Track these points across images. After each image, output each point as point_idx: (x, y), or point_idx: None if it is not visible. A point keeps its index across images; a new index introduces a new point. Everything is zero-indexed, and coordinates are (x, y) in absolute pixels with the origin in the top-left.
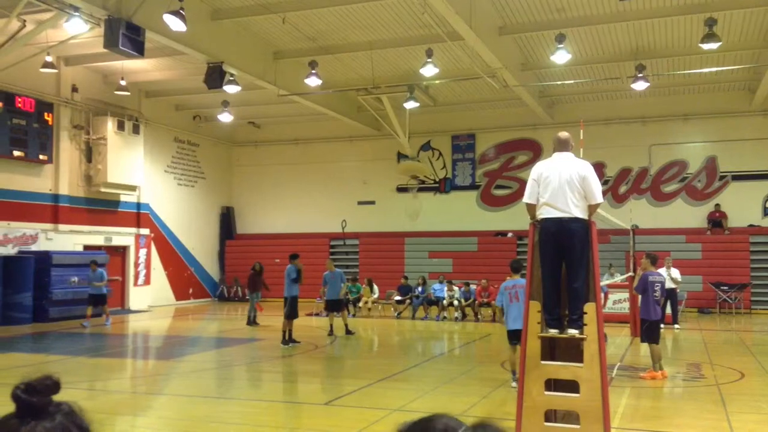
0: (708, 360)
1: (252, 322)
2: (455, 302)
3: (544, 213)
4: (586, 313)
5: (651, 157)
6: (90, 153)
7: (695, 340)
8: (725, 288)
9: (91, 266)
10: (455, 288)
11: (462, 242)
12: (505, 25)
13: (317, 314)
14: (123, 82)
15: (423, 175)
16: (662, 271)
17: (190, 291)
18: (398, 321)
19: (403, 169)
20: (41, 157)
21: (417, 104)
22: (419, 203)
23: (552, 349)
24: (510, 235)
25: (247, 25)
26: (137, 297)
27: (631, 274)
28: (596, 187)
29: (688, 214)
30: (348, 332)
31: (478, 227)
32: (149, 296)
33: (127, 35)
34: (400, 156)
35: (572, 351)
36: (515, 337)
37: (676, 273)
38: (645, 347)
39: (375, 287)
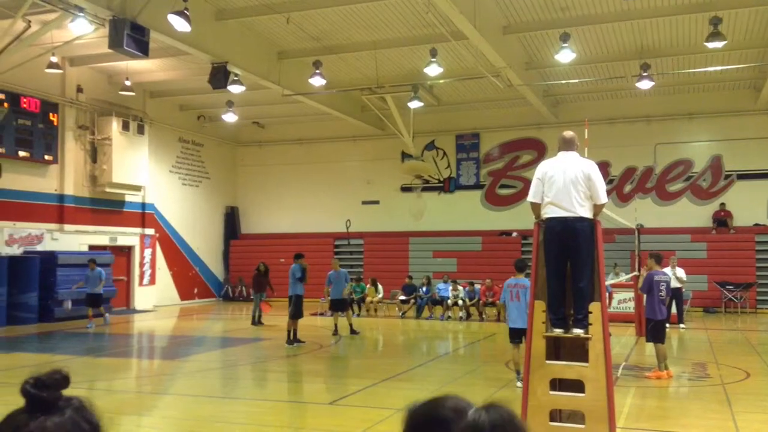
0: (713, 359)
1: (257, 322)
2: (459, 302)
3: (548, 212)
4: (591, 312)
5: (656, 156)
6: (95, 153)
7: (700, 340)
8: (730, 287)
9: (89, 265)
10: (460, 288)
11: (466, 242)
12: (509, 24)
13: (322, 314)
14: (128, 83)
15: (427, 175)
16: (667, 270)
17: (195, 291)
18: (402, 321)
19: (408, 169)
20: (46, 157)
21: (421, 104)
22: (423, 203)
23: (557, 349)
24: (514, 234)
25: (251, 25)
26: (142, 297)
27: (636, 273)
28: (601, 187)
29: (693, 214)
30: (352, 332)
31: (483, 227)
32: (154, 296)
33: (131, 35)
34: (405, 156)
35: (577, 350)
36: (515, 335)
37: (681, 272)
38: (650, 347)
39: (379, 287)
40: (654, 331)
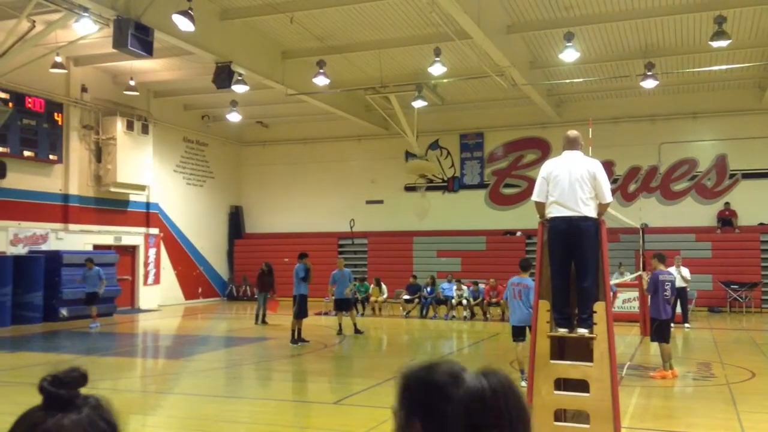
0: (718, 359)
1: (262, 321)
2: (464, 301)
3: (553, 211)
4: (595, 312)
5: (660, 156)
6: (99, 153)
7: (705, 339)
8: (735, 287)
9: (87, 264)
10: (464, 287)
11: (470, 241)
12: (513, 24)
13: (326, 313)
14: (132, 83)
15: (431, 174)
16: (672, 269)
17: (200, 290)
18: (407, 320)
19: (412, 168)
20: (51, 157)
21: (425, 103)
22: (427, 202)
23: (561, 348)
24: (519, 234)
25: (255, 24)
26: (147, 296)
27: (640, 273)
28: (606, 187)
29: (698, 213)
30: (357, 331)
31: (487, 226)
32: (159, 295)
33: (136, 35)
34: (409, 155)
35: (582, 350)
36: (517, 333)
37: (686, 272)
38: (655, 346)
39: (383, 287)
40: (659, 331)
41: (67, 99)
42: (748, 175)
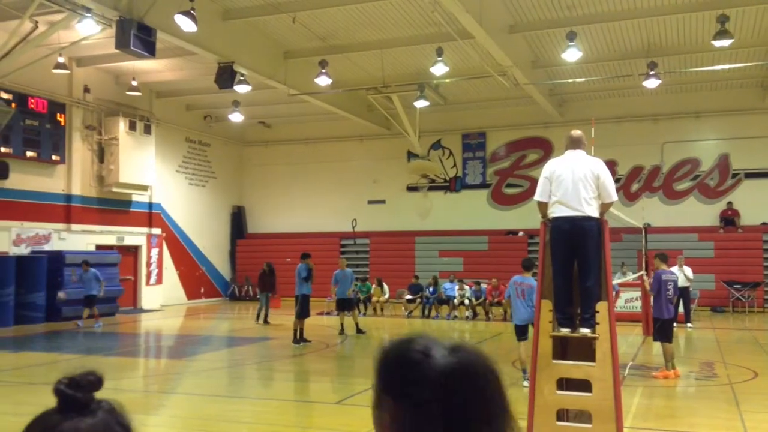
0: (721, 359)
1: (265, 321)
2: (466, 301)
3: (556, 211)
4: (598, 311)
5: (663, 155)
6: (102, 153)
7: (708, 339)
8: (738, 286)
9: (82, 266)
10: (466, 287)
11: (472, 241)
12: (515, 23)
13: (328, 313)
14: (134, 83)
15: (433, 174)
16: (675, 269)
17: (202, 290)
18: (409, 320)
19: (414, 168)
20: (54, 157)
21: (427, 103)
22: (429, 202)
23: (564, 348)
24: (521, 233)
25: (257, 25)
26: (149, 296)
27: (642, 272)
28: (610, 186)
29: (701, 212)
30: (359, 331)
31: (489, 226)
32: (161, 295)
33: (138, 36)
34: (411, 155)
35: (584, 350)
36: (520, 332)
37: (688, 271)
38: (657, 346)
39: (385, 287)
40: (661, 331)
41: (70, 99)
42: (751, 175)
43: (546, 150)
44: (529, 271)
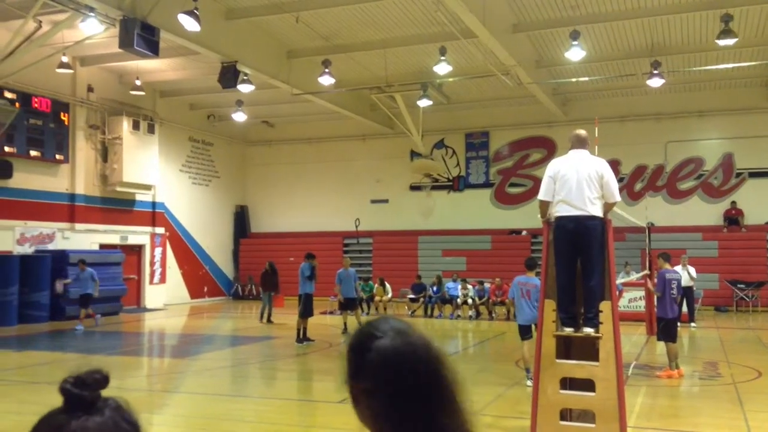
0: (725, 358)
1: (268, 320)
2: (469, 300)
3: (560, 211)
4: (601, 311)
5: (667, 154)
6: (106, 152)
7: (712, 339)
8: (742, 286)
9: (79, 266)
10: (469, 286)
11: (476, 240)
12: (518, 22)
13: (331, 312)
14: (138, 82)
15: (436, 174)
16: (678, 268)
17: (205, 289)
18: (412, 319)
19: (417, 168)
20: (57, 156)
21: (430, 102)
22: (433, 201)
23: (567, 348)
24: (524, 233)
25: (260, 24)
26: (153, 295)
27: (646, 272)
28: (614, 186)
29: (705, 212)
30: None
31: (492, 225)
32: (165, 294)
33: (142, 35)
34: (414, 154)
35: (588, 349)
36: (524, 331)
37: (692, 271)
38: (661, 345)
39: (387, 286)
40: (666, 330)
41: (74, 99)
42: (755, 174)
43: (549, 149)
44: (532, 271)
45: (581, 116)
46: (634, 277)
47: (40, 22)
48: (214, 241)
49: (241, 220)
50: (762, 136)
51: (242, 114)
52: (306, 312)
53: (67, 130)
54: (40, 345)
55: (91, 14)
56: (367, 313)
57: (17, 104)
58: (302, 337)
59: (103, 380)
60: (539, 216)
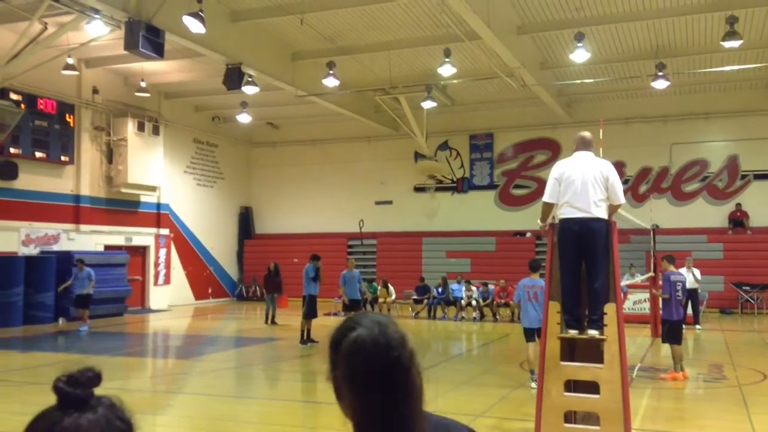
0: (730, 361)
1: (272, 321)
2: (473, 302)
3: (565, 213)
4: (606, 313)
5: (672, 156)
6: (111, 154)
7: (717, 341)
8: (747, 288)
9: (77, 265)
10: (473, 288)
11: (480, 242)
12: (523, 24)
13: (335, 314)
14: (143, 84)
15: (440, 175)
16: (683, 270)
17: (210, 290)
18: (416, 321)
19: (421, 169)
20: (63, 158)
21: (434, 104)
22: (437, 203)
23: (572, 350)
24: (528, 235)
25: (265, 26)
26: (157, 296)
27: (651, 274)
28: (619, 188)
29: (710, 214)
30: None
31: (497, 227)
32: (169, 296)
33: (147, 37)
34: (418, 156)
35: (592, 352)
36: (529, 334)
37: (697, 273)
38: (665, 348)
39: (390, 288)
40: (671, 332)
41: (79, 100)
42: (760, 176)
43: (554, 151)
44: (536, 272)
45: (586, 118)
46: (639, 279)
47: (46, 24)
48: (218, 242)
49: (245, 221)
50: (767, 138)
51: (247, 115)
52: (310, 313)
53: (72, 132)
54: (44, 346)
55: (97, 16)
56: None
57: (23, 106)
58: (306, 339)
59: (95, 378)
60: (539, 221)
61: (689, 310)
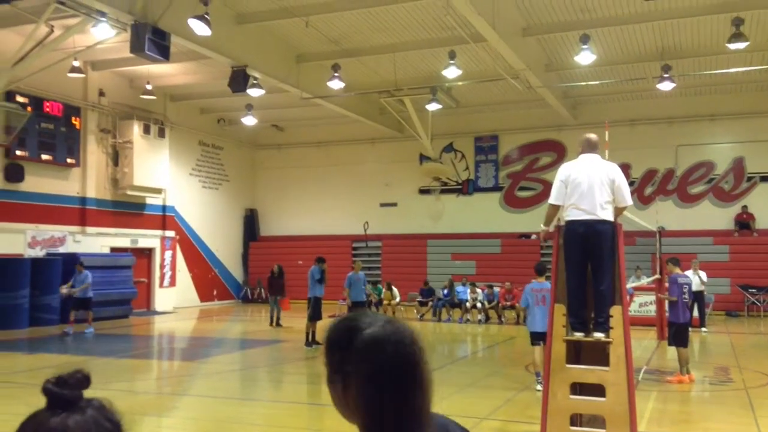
0: (736, 364)
1: (277, 324)
2: (478, 304)
3: (571, 215)
4: (612, 316)
5: (677, 158)
6: (116, 156)
7: (723, 344)
8: (753, 290)
9: (77, 268)
10: (478, 290)
11: (485, 244)
12: (528, 26)
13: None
14: (149, 87)
15: (445, 177)
16: (689, 273)
17: (215, 292)
18: (420, 323)
19: (426, 171)
20: (69, 160)
21: (439, 106)
22: (442, 205)
23: (577, 353)
24: (534, 237)
25: (270, 29)
26: (162, 298)
27: (657, 276)
28: (626, 190)
29: (715, 216)
30: None
31: (502, 229)
32: (174, 298)
33: (152, 40)
34: (423, 158)
35: (598, 354)
36: (536, 337)
37: (703, 275)
38: (671, 350)
39: (394, 290)
40: (677, 335)
41: (85, 103)
42: (766, 178)
43: (559, 153)
44: (542, 276)
45: (591, 120)
46: (645, 281)
47: (52, 26)
48: (223, 244)
49: (250, 223)
50: None
51: (252, 118)
52: (315, 315)
53: (78, 134)
54: (50, 348)
55: (103, 19)
56: None
57: (29, 108)
58: (311, 341)
59: (84, 380)
60: (542, 225)
61: (695, 313)
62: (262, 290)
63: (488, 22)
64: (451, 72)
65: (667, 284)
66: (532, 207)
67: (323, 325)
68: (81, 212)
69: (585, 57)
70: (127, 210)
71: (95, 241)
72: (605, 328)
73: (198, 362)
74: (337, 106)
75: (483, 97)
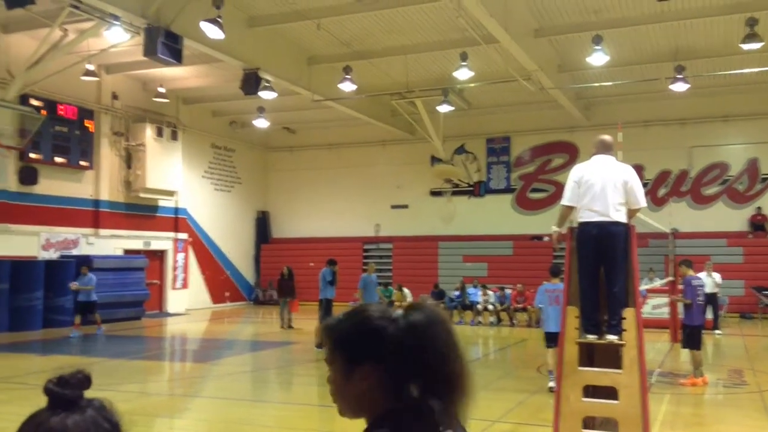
0: (750, 366)
1: (288, 326)
2: (490, 307)
3: (584, 216)
4: (625, 318)
5: (691, 159)
6: (129, 159)
7: (737, 346)
8: (767, 292)
9: (82, 270)
10: (490, 292)
11: (497, 246)
12: (540, 27)
13: None
14: (162, 90)
15: (457, 179)
16: (703, 275)
17: (227, 294)
18: None
19: (437, 173)
20: (82, 163)
21: (451, 108)
22: (453, 207)
23: (590, 355)
24: (546, 239)
25: (282, 31)
26: (175, 300)
27: (670, 278)
28: (639, 192)
29: (730, 217)
30: None
31: (514, 231)
32: (187, 299)
33: (165, 43)
34: (434, 160)
35: (611, 357)
36: (550, 339)
37: (717, 277)
38: (685, 353)
39: (405, 291)
40: (690, 337)
41: (98, 106)
42: None
43: (571, 154)
44: (557, 277)
45: (604, 121)
46: (658, 283)
47: (66, 30)
48: (235, 246)
49: (262, 225)
50: None
51: (264, 120)
52: (326, 317)
53: (91, 137)
54: (64, 349)
55: (116, 23)
56: None
57: (43, 112)
58: (322, 343)
59: (85, 380)
60: (553, 226)
61: (709, 315)
62: (274, 292)
63: (500, 23)
64: (463, 73)
65: (680, 286)
66: (544, 209)
67: None
68: (94, 214)
69: (598, 58)
70: (140, 212)
71: (108, 244)
72: (618, 331)
73: (210, 364)
74: (348, 108)
75: (495, 99)
